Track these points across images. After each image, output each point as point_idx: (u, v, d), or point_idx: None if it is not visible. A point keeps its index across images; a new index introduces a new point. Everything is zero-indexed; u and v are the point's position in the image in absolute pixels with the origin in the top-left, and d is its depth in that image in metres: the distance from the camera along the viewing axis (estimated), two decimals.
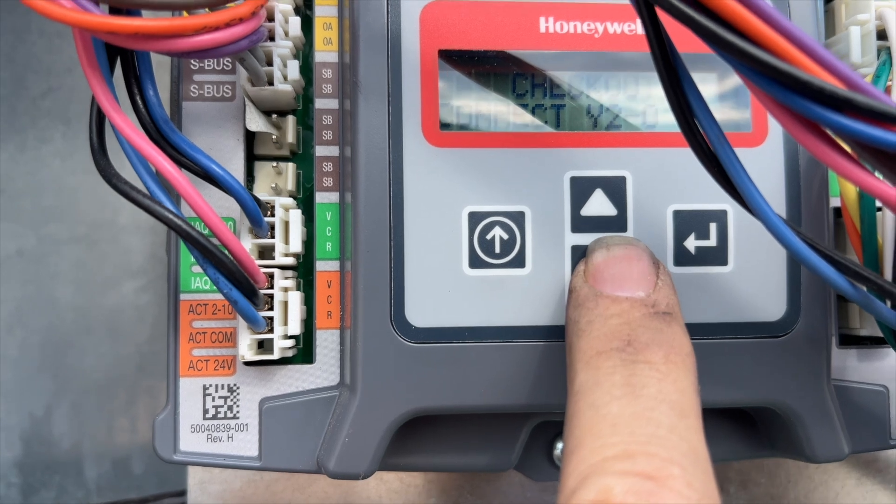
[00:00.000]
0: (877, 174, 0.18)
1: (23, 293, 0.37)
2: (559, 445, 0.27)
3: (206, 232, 0.21)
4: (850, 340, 0.26)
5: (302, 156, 0.25)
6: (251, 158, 0.25)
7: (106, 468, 0.37)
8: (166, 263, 0.25)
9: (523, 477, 0.28)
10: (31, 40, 0.38)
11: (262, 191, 0.25)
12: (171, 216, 0.21)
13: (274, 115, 0.25)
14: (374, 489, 0.28)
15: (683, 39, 0.19)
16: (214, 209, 0.21)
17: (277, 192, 0.25)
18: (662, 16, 0.19)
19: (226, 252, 0.21)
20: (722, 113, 0.24)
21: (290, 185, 0.25)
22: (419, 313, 0.23)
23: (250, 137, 0.25)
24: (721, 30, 0.17)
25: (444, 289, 0.23)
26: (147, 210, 0.21)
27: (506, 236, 0.23)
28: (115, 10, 0.20)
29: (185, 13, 0.23)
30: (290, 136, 0.25)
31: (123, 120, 0.21)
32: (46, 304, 0.37)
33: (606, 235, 0.23)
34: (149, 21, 0.20)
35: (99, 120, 0.22)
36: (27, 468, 0.37)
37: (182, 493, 0.31)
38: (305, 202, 0.25)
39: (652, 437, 0.17)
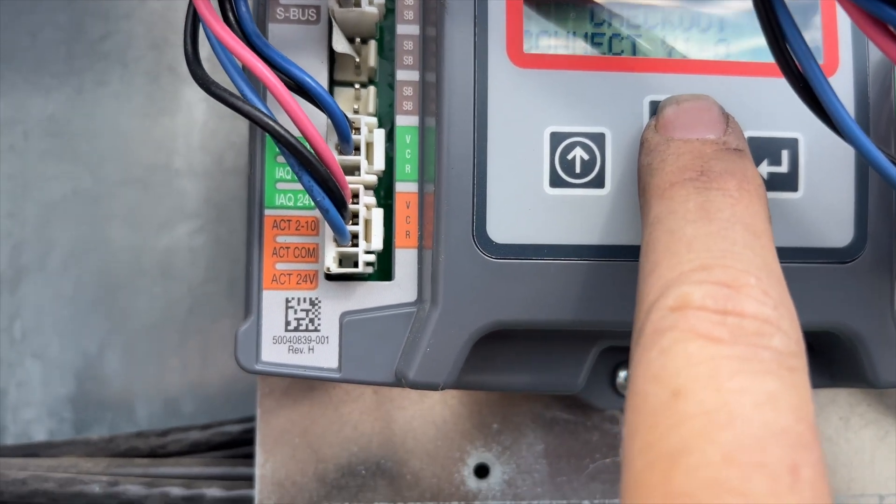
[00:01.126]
0: None
1: (78, 233, 0.37)
2: (622, 374, 0.28)
3: (302, 140, 0.22)
4: None
5: (379, 82, 0.26)
6: (332, 83, 0.26)
7: (156, 407, 0.38)
8: (248, 180, 0.25)
9: (584, 405, 0.29)
10: None
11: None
12: (270, 122, 0.21)
13: (356, 41, 0.25)
14: (439, 413, 0.29)
15: None
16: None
17: (357, 114, 0.25)
18: None
19: (319, 160, 0.22)
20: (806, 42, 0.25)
21: (371, 107, 0.25)
22: (500, 230, 0.24)
23: (332, 61, 0.25)
24: None
25: (525, 207, 0.24)
26: (246, 115, 0.21)
27: (586, 157, 0.24)
28: None
29: None
30: (372, 61, 0.25)
31: (221, 26, 0.22)
32: (101, 245, 0.37)
33: (676, 95, 0.23)
34: None
35: (193, 30, 0.23)
36: (80, 404, 0.37)
37: (245, 420, 0.31)
38: (382, 125, 0.26)
39: (727, 252, 0.18)
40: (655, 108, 0.24)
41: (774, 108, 0.24)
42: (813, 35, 0.25)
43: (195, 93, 0.38)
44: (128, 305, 0.38)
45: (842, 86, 0.25)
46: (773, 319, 0.17)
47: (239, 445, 0.31)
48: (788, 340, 0.17)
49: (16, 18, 0.38)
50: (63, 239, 0.37)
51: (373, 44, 0.25)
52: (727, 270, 0.17)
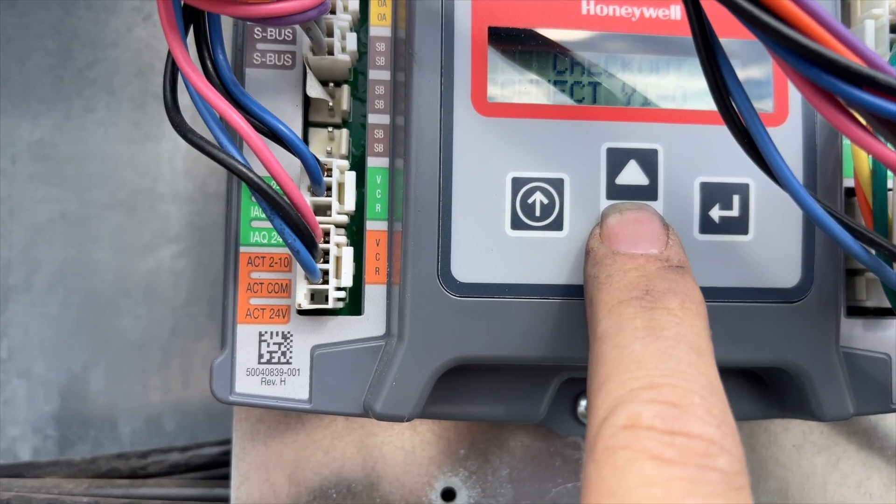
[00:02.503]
0: (889, 146, 0.20)
1: (65, 255, 0.39)
2: (583, 403, 0.29)
3: (274, 186, 0.23)
4: (856, 311, 0.28)
5: (352, 124, 0.27)
6: (306, 125, 0.27)
7: (139, 424, 0.39)
8: (225, 218, 0.26)
9: (547, 432, 0.30)
10: (79, 14, 0.39)
11: (316, 154, 0.26)
12: (243, 169, 0.22)
13: (330, 85, 0.27)
14: (408, 440, 0.30)
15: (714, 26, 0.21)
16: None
17: (330, 156, 0.26)
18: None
19: (290, 204, 0.23)
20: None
21: (343, 149, 0.26)
22: (464, 269, 0.25)
23: (306, 105, 0.27)
24: (759, 12, 0.19)
25: (488, 248, 0.25)
26: (221, 162, 0.23)
27: (546, 201, 0.25)
28: None
29: None
30: (345, 104, 0.26)
31: (198, 77, 0.23)
32: (86, 266, 0.39)
33: (618, 202, 0.25)
34: None
35: (173, 78, 0.24)
36: (64, 422, 0.38)
37: (222, 443, 0.33)
38: (355, 167, 0.27)
39: (674, 371, 0.19)
40: (612, 155, 0.25)
41: (727, 155, 0.25)
42: (765, 84, 0.26)
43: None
44: (112, 325, 0.39)
45: (790, 134, 0.26)
46: (717, 439, 0.18)
47: (217, 467, 0.32)
48: (732, 460, 0.18)
49: (5, 45, 0.39)
50: (49, 260, 0.39)
51: (346, 88, 0.27)
52: (674, 389, 0.18)
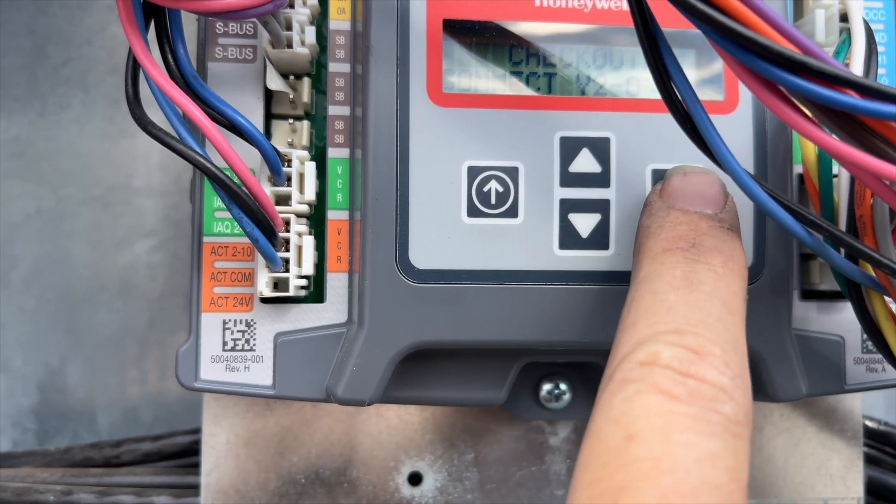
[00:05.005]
0: (831, 133, 0.21)
1: (41, 251, 0.39)
2: (545, 387, 0.29)
3: (233, 177, 0.24)
4: (810, 295, 0.29)
5: (314, 116, 0.28)
6: (269, 117, 0.27)
7: (117, 416, 0.39)
8: (191, 209, 0.27)
9: (511, 417, 0.31)
10: (53, 12, 0.40)
11: (278, 145, 0.27)
12: (201, 160, 0.23)
13: (291, 78, 0.27)
14: (375, 425, 0.30)
15: (664, 17, 0.22)
16: None
17: (293, 147, 0.27)
18: None
19: (249, 194, 0.24)
20: (696, 84, 0.27)
21: (305, 141, 0.27)
22: (422, 257, 0.25)
23: (268, 98, 0.27)
24: (697, 2, 0.20)
25: (445, 235, 0.25)
26: (179, 153, 0.23)
27: (501, 189, 0.26)
28: None
29: None
30: (306, 97, 0.27)
31: (158, 72, 0.23)
32: (63, 262, 0.39)
33: (686, 165, 0.25)
34: None
35: (134, 73, 0.24)
36: (43, 415, 0.39)
37: (194, 432, 0.33)
38: (317, 157, 0.27)
39: (701, 322, 0.19)
40: (565, 143, 0.26)
41: (677, 143, 0.26)
42: (716, 71, 0.27)
43: (154, 115, 0.40)
44: (89, 320, 0.39)
45: (741, 122, 0.27)
46: (728, 388, 0.18)
47: (188, 455, 0.33)
48: (738, 410, 0.18)
49: None
50: (26, 256, 0.39)
51: (306, 80, 0.27)
52: (697, 338, 0.19)
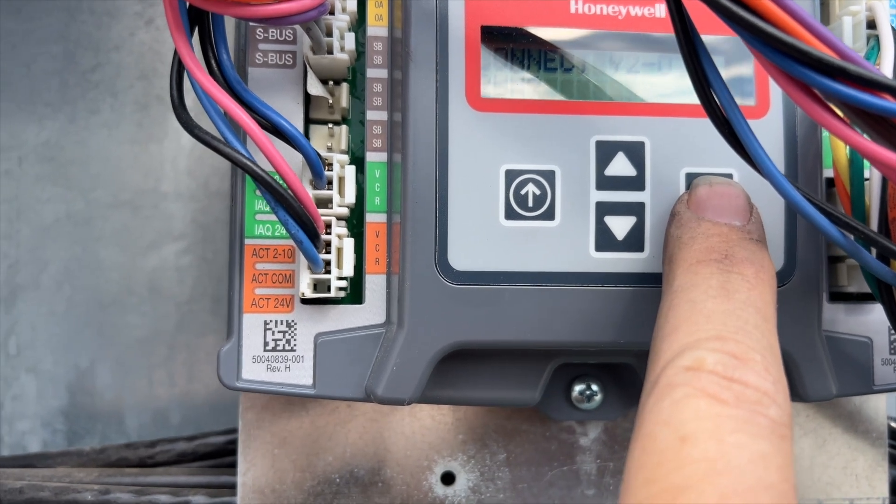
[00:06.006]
0: (864, 136, 0.21)
1: (71, 254, 0.40)
2: (577, 388, 0.30)
3: (277, 179, 0.24)
4: (839, 297, 0.29)
5: (351, 120, 0.28)
6: (307, 121, 0.28)
7: (145, 418, 0.40)
8: (230, 211, 0.27)
9: (543, 417, 0.31)
10: (82, 19, 0.40)
11: (317, 149, 0.27)
12: (249, 163, 0.24)
13: (329, 83, 0.28)
14: (408, 425, 0.31)
15: (698, 24, 0.22)
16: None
17: (331, 151, 0.28)
18: None
19: (294, 197, 0.24)
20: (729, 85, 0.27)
21: (343, 145, 0.27)
22: (460, 258, 0.26)
23: (307, 102, 0.28)
24: (737, 8, 0.20)
25: (483, 237, 0.26)
26: (227, 156, 0.24)
27: (538, 192, 0.26)
28: None
29: None
30: (344, 102, 0.27)
31: (204, 76, 0.24)
32: (92, 265, 0.40)
33: (709, 175, 0.26)
34: None
35: (178, 77, 0.25)
36: (72, 416, 0.39)
37: (228, 432, 0.34)
38: (354, 161, 0.28)
39: (740, 329, 0.20)
40: (600, 147, 0.26)
41: (710, 146, 0.27)
42: (746, 76, 0.27)
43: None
44: (118, 322, 0.40)
45: (772, 126, 0.27)
46: (770, 392, 0.19)
47: (223, 455, 0.33)
48: (782, 412, 0.19)
49: (11, 50, 0.40)
50: (56, 259, 0.40)
51: (345, 86, 0.28)
52: (738, 345, 0.20)
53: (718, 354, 0.19)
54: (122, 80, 0.41)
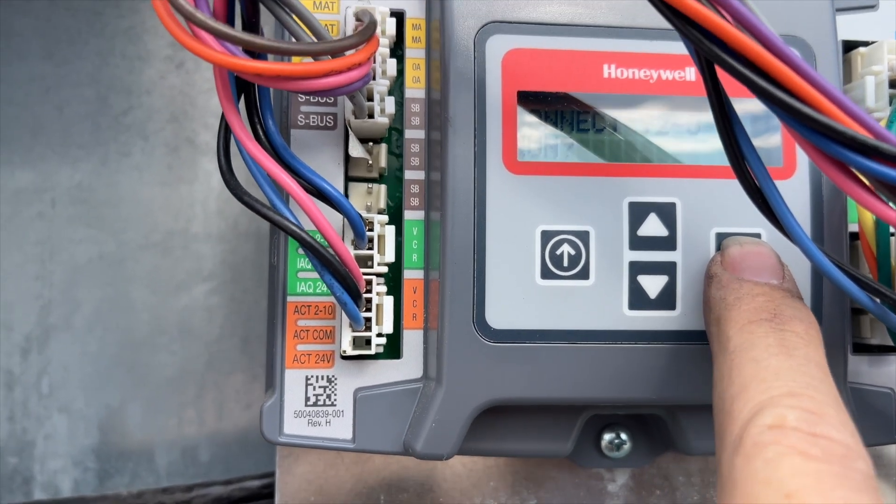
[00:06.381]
0: (892, 205, 0.22)
1: (102, 294, 0.40)
2: (606, 437, 0.30)
3: (323, 242, 0.25)
4: (861, 348, 0.30)
5: (389, 177, 0.29)
6: (346, 179, 0.29)
7: (175, 456, 0.40)
8: (271, 269, 0.28)
9: (572, 464, 0.32)
10: (115, 63, 0.41)
11: (356, 208, 0.28)
12: (298, 230, 0.24)
13: (369, 143, 0.28)
14: (441, 472, 0.32)
15: (727, 85, 0.23)
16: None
17: (369, 209, 0.28)
18: (718, 70, 0.23)
19: (339, 260, 0.25)
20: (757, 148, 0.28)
21: (382, 203, 0.28)
22: (497, 317, 0.27)
23: (346, 161, 0.28)
24: (772, 87, 0.21)
25: (520, 296, 0.27)
26: (276, 223, 0.24)
27: (573, 252, 0.27)
28: (248, 52, 0.24)
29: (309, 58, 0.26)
30: (383, 161, 0.28)
31: (254, 145, 0.25)
32: (124, 305, 0.40)
33: (736, 236, 0.27)
34: (288, 65, 0.23)
35: (226, 145, 0.25)
36: (103, 455, 0.40)
37: (263, 476, 0.34)
38: (392, 218, 0.29)
39: (809, 385, 0.21)
40: (633, 208, 0.27)
41: (740, 207, 0.27)
42: (773, 138, 0.28)
43: (211, 162, 0.41)
44: (148, 361, 0.40)
45: (798, 187, 0.28)
46: (853, 446, 0.20)
47: (258, 499, 0.34)
48: (868, 465, 0.19)
49: (45, 93, 0.41)
50: (88, 300, 0.40)
51: (384, 146, 0.28)
52: (812, 400, 0.20)
53: (797, 411, 0.20)
54: (153, 122, 0.41)
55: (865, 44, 0.30)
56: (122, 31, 0.41)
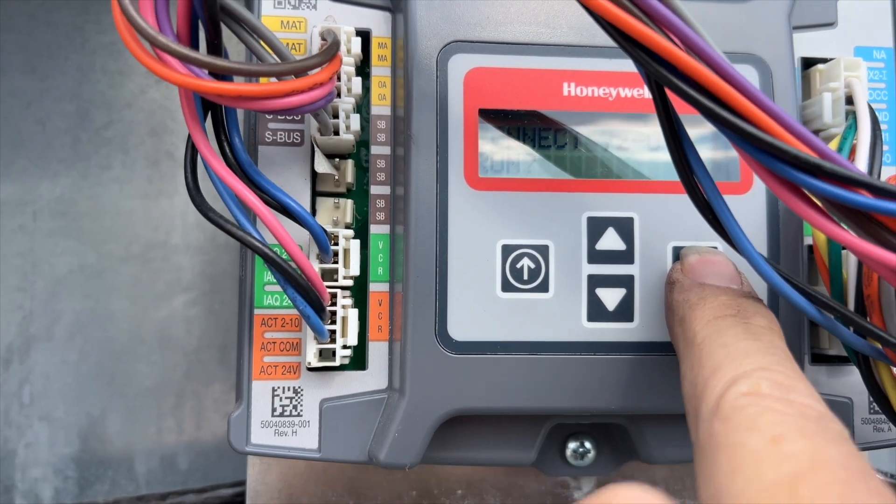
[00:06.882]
0: (839, 222, 0.23)
1: (83, 305, 0.41)
2: (570, 445, 0.31)
3: (285, 257, 0.25)
4: (820, 359, 0.31)
5: (356, 192, 0.30)
6: (314, 195, 0.29)
7: (154, 464, 0.41)
8: (240, 282, 0.29)
9: (538, 472, 0.33)
10: (95, 78, 0.42)
11: (323, 222, 0.29)
12: (260, 245, 0.25)
13: (335, 159, 0.29)
14: (408, 480, 0.32)
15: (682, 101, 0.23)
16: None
17: (336, 223, 0.29)
18: (669, 92, 0.24)
19: (302, 275, 0.26)
20: (715, 164, 0.29)
21: (348, 218, 0.29)
22: (459, 329, 0.27)
23: (314, 177, 0.29)
24: (719, 108, 0.22)
25: (481, 309, 0.27)
26: (240, 240, 0.25)
27: (532, 265, 0.28)
28: (213, 75, 0.25)
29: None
30: (349, 177, 0.29)
31: (219, 163, 0.25)
32: (104, 316, 0.41)
33: (693, 246, 0.28)
34: (250, 86, 0.24)
35: (192, 162, 0.26)
36: (83, 463, 0.41)
37: (236, 485, 0.35)
38: (358, 232, 0.29)
39: (778, 363, 0.21)
40: (591, 223, 0.28)
41: (696, 221, 0.28)
42: (732, 153, 0.29)
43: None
44: (128, 371, 0.41)
45: (755, 202, 0.29)
46: (825, 412, 0.20)
47: None
48: (843, 428, 0.20)
49: (26, 108, 0.41)
50: (69, 310, 0.41)
51: (350, 162, 0.29)
52: (782, 374, 0.21)
53: (770, 382, 0.21)
54: (133, 136, 0.42)
55: (824, 61, 0.31)
56: (102, 46, 0.42)
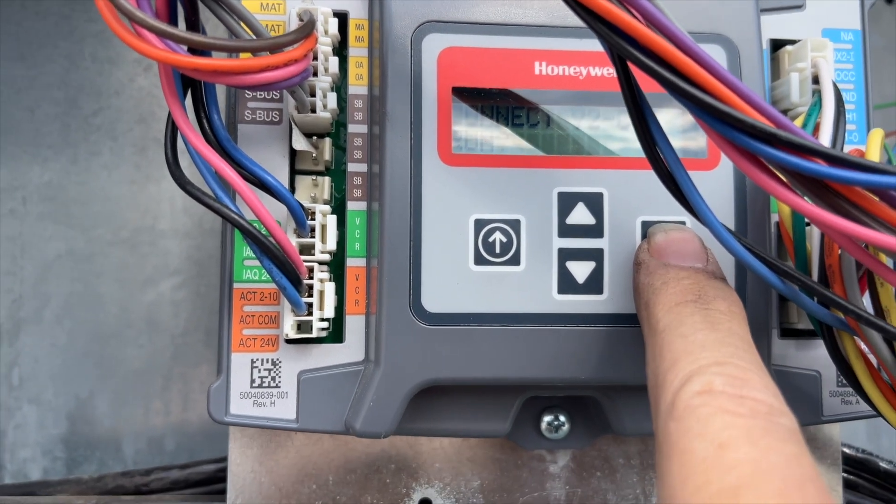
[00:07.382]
0: (800, 194, 0.23)
1: (72, 289, 0.42)
2: (545, 419, 0.32)
3: (265, 232, 0.26)
4: (789, 333, 0.31)
5: (334, 171, 0.30)
6: (293, 172, 0.30)
7: (141, 445, 0.42)
8: (220, 257, 0.29)
9: (515, 446, 0.33)
10: (84, 66, 0.43)
11: (302, 199, 0.30)
12: (237, 217, 0.26)
13: (314, 138, 0.30)
14: (388, 453, 0.33)
15: (652, 82, 0.24)
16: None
17: (315, 200, 0.30)
18: (632, 66, 0.24)
19: (278, 247, 0.26)
20: (684, 142, 0.29)
21: (326, 195, 0.30)
22: (433, 301, 0.28)
23: (293, 155, 0.30)
24: (679, 80, 0.22)
25: (454, 281, 0.28)
26: (216, 212, 0.26)
27: (504, 239, 0.28)
28: (192, 50, 0.25)
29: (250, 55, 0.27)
30: (327, 155, 0.30)
31: (197, 138, 0.26)
32: (92, 299, 0.42)
33: (661, 224, 0.28)
34: (225, 61, 0.25)
35: (173, 138, 0.27)
36: (72, 444, 0.41)
37: (218, 461, 0.36)
38: (336, 209, 0.30)
39: (733, 354, 0.22)
40: (562, 198, 0.28)
41: (664, 197, 0.28)
42: (699, 131, 0.30)
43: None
44: (116, 354, 0.42)
45: (722, 177, 0.29)
46: (776, 405, 0.21)
47: (214, 482, 0.35)
48: (792, 421, 0.21)
49: (16, 95, 0.42)
50: (58, 294, 0.42)
51: (328, 140, 0.30)
52: (736, 367, 0.22)
53: (723, 377, 0.21)
54: (121, 123, 0.43)
55: (793, 42, 0.32)
56: (91, 34, 0.43)
